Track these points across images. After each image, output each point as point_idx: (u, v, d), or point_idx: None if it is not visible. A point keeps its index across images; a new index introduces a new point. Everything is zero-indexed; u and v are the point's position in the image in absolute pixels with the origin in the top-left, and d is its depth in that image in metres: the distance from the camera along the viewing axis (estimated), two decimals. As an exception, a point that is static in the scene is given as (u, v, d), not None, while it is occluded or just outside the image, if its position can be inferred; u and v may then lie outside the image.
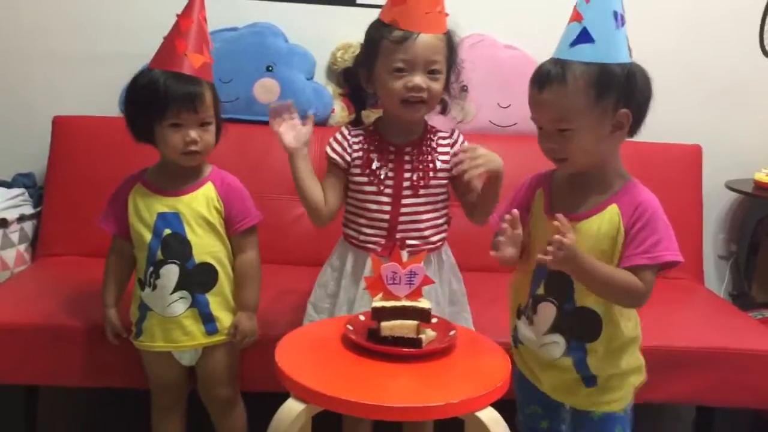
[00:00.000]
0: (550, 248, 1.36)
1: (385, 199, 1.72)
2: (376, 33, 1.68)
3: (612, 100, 1.41)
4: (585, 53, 1.40)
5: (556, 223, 1.37)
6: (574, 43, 1.40)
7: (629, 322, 1.52)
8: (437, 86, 1.68)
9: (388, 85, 1.67)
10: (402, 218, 1.73)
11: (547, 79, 1.40)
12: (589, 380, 1.52)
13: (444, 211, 1.79)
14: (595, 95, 1.40)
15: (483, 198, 1.73)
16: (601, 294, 1.46)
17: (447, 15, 1.70)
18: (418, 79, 1.65)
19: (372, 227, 1.74)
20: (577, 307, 1.49)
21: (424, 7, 1.64)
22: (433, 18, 1.65)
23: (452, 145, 1.77)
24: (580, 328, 1.50)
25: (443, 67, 1.69)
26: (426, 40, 1.64)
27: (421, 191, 1.73)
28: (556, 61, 1.42)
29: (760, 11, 2.83)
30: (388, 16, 1.67)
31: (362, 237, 1.75)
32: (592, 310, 1.48)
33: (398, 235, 1.73)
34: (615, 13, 1.41)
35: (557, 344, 1.51)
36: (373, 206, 1.74)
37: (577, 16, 1.42)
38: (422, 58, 1.64)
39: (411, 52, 1.63)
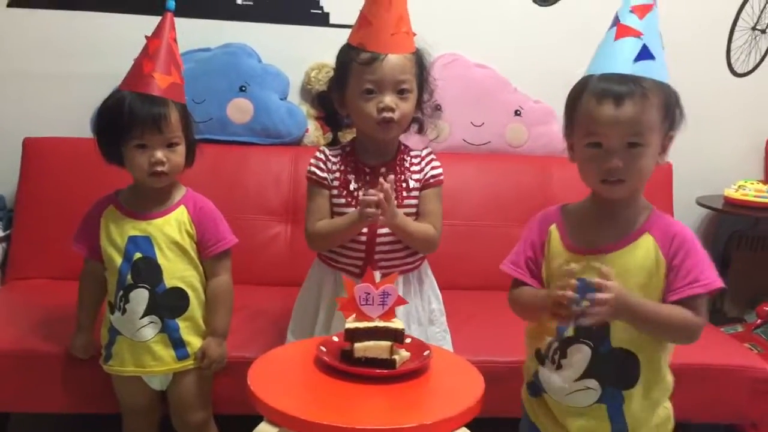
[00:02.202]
0: (594, 308, 1.26)
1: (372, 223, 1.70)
2: (345, 56, 1.70)
3: (669, 121, 1.38)
4: (651, 70, 1.35)
5: (597, 264, 1.30)
6: (638, 59, 1.35)
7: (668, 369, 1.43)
8: (407, 105, 1.70)
9: (360, 107, 1.69)
10: (379, 239, 1.74)
11: (626, 93, 1.32)
12: None
13: None
14: (663, 114, 1.36)
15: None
16: (656, 334, 1.38)
17: (414, 35, 1.72)
18: (388, 99, 1.66)
19: (350, 249, 1.75)
20: (612, 348, 1.38)
21: (389, 29, 1.66)
22: (399, 38, 1.67)
23: (422, 160, 1.78)
24: (617, 372, 1.39)
25: (413, 86, 1.71)
26: (393, 60, 1.66)
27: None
28: (623, 77, 1.34)
29: (727, 32, 2.89)
30: (355, 39, 1.70)
31: (341, 258, 1.76)
32: (629, 351, 1.39)
33: (376, 256, 1.73)
34: (659, 32, 1.39)
35: (591, 390, 1.40)
36: None
37: (631, 32, 1.37)
38: (390, 79, 1.66)
39: (379, 73, 1.65)
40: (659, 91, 1.35)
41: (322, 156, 1.78)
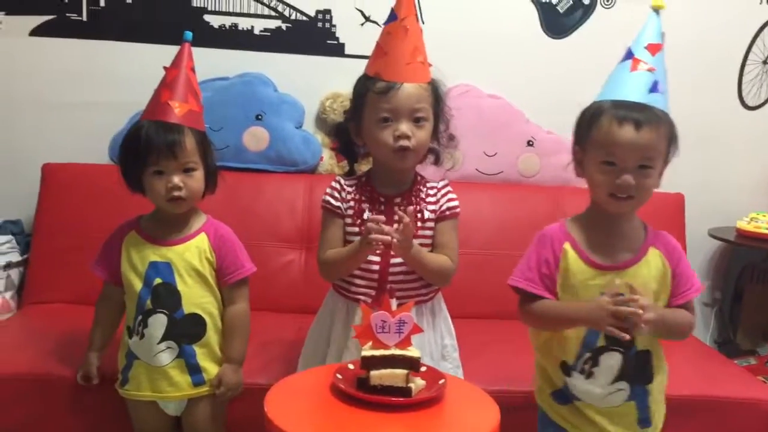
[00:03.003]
0: (642, 326, 1.43)
1: (377, 250, 1.71)
2: (362, 87, 1.72)
3: (670, 150, 1.54)
4: (659, 102, 1.51)
5: (618, 281, 1.48)
6: (651, 91, 1.50)
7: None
8: (423, 134, 1.71)
9: (376, 136, 1.70)
10: (392, 269, 1.74)
11: (645, 120, 1.47)
12: (646, 422, 1.59)
13: None
14: (667, 143, 1.52)
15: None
16: (671, 336, 1.57)
17: (430, 65, 1.73)
18: (404, 127, 1.67)
19: (363, 278, 1.75)
20: (638, 351, 1.55)
21: (405, 58, 1.68)
22: (414, 68, 1.69)
23: (438, 192, 1.78)
24: (641, 370, 1.56)
25: (429, 115, 1.71)
26: (409, 89, 1.67)
27: None
28: (640, 105, 1.49)
29: (739, 65, 2.92)
30: (372, 69, 1.72)
31: (353, 288, 1.76)
32: (648, 351, 1.57)
33: (388, 287, 1.73)
34: (666, 71, 1.54)
35: (622, 391, 1.55)
36: None
37: (646, 66, 1.52)
38: (406, 107, 1.67)
39: (394, 102, 1.66)
40: (667, 123, 1.52)
41: (337, 185, 1.79)
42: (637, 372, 1.55)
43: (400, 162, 1.72)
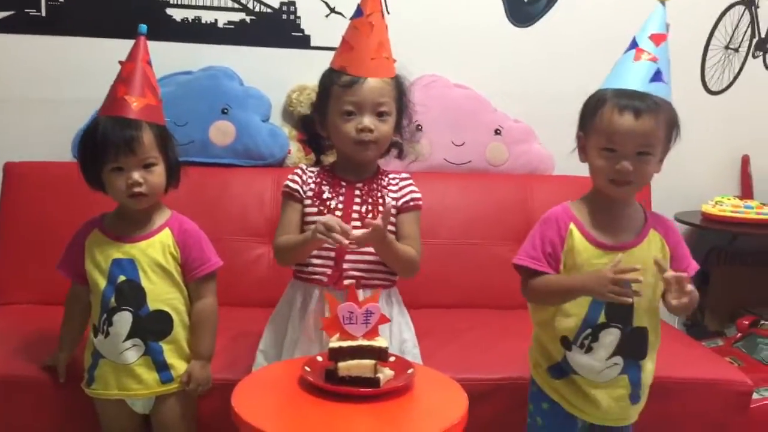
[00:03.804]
0: (680, 299, 1.50)
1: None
2: (327, 80, 1.75)
3: (671, 138, 1.59)
4: (661, 91, 1.56)
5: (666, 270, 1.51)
6: (652, 80, 1.55)
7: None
8: (386, 127, 1.74)
9: (339, 128, 1.72)
10: (349, 248, 1.72)
11: (645, 108, 1.52)
12: (636, 397, 1.65)
13: None
14: (667, 130, 1.58)
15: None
16: (680, 310, 1.57)
17: (394, 60, 1.77)
18: (367, 120, 1.70)
19: (320, 257, 1.74)
20: (634, 327, 1.61)
21: (370, 53, 1.71)
22: (379, 63, 1.72)
23: (401, 181, 1.81)
24: (636, 346, 1.62)
25: (392, 109, 1.75)
26: (373, 83, 1.70)
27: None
28: (641, 94, 1.54)
29: (701, 50, 2.95)
30: (337, 62, 1.74)
31: (310, 268, 1.75)
32: (645, 328, 1.62)
33: (345, 265, 1.73)
34: (669, 61, 1.59)
35: (616, 365, 1.61)
36: None
37: (648, 56, 1.57)
38: (370, 101, 1.70)
39: (359, 95, 1.70)
40: (667, 111, 1.57)
41: (299, 171, 1.82)
42: (633, 347, 1.61)
43: (362, 154, 1.74)
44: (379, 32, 1.73)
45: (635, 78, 1.56)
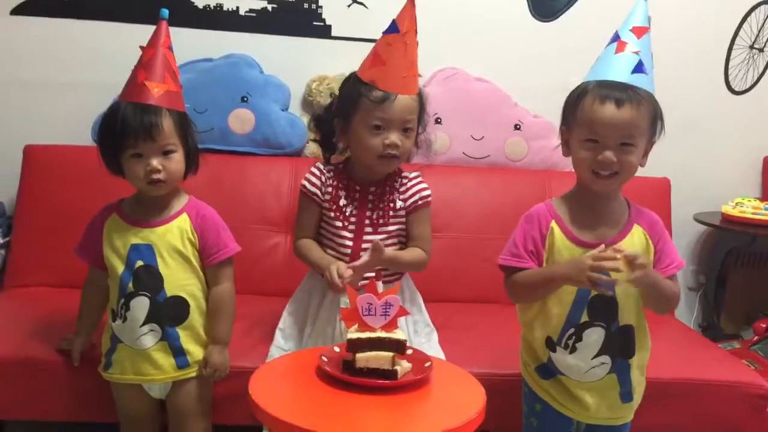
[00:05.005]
0: (637, 273, 1.46)
1: (348, 234, 1.82)
2: (355, 90, 1.77)
3: (653, 129, 1.58)
4: (643, 82, 1.55)
5: (617, 251, 1.47)
6: (634, 72, 1.55)
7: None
8: (409, 143, 1.80)
9: (365, 141, 1.76)
10: (362, 253, 1.78)
11: (626, 98, 1.52)
12: (627, 396, 1.63)
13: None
14: (650, 121, 1.56)
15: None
16: (657, 305, 1.60)
17: (420, 76, 1.80)
18: (395, 137, 1.75)
19: (336, 258, 1.80)
20: (621, 326, 1.59)
21: (401, 71, 1.74)
22: (409, 81, 1.76)
23: (410, 181, 1.86)
24: (623, 345, 1.60)
25: (415, 125, 1.80)
26: (403, 101, 1.74)
27: (380, 228, 1.82)
28: (622, 85, 1.53)
29: (725, 50, 2.92)
30: (367, 75, 1.77)
31: None
32: (631, 326, 1.61)
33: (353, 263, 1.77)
34: (651, 54, 1.58)
35: (604, 365, 1.59)
36: (338, 240, 1.83)
37: (630, 48, 1.57)
38: (399, 118, 1.75)
39: (389, 112, 1.73)
40: (650, 102, 1.55)
41: (316, 171, 1.86)
42: (620, 346, 1.60)
43: (385, 167, 1.80)
44: (412, 52, 1.77)
45: (617, 69, 1.56)
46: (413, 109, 1.77)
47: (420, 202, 1.84)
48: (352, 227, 1.82)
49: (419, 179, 1.87)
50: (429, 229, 1.87)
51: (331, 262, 1.74)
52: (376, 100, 1.73)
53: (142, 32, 1.77)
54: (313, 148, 2.64)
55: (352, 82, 1.80)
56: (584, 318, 1.57)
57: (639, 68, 1.55)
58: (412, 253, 1.83)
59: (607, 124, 1.51)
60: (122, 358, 1.72)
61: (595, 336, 1.58)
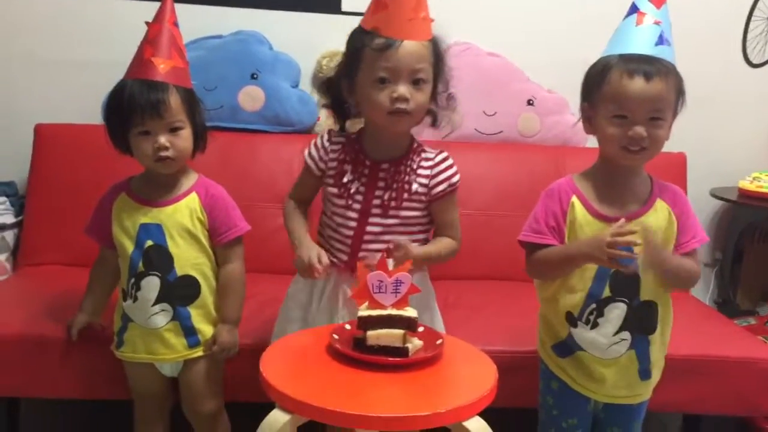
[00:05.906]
0: (639, 254, 1.46)
1: (352, 215, 1.66)
2: (358, 41, 1.61)
3: (678, 103, 1.55)
4: (667, 54, 1.53)
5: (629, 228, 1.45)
6: (657, 43, 1.52)
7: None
8: (422, 97, 1.60)
9: (371, 97, 1.59)
10: (366, 237, 1.66)
11: (655, 71, 1.49)
12: (646, 373, 1.62)
13: (421, 236, 1.70)
14: (677, 95, 1.54)
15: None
16: (676, 284, 1.59)
17: (432, 20, 1.62)
18: (403, 89, 1.56)
19: (338, 241, 1.70)
20: (642, 301, 1.57)
21: (406, 13, 1.56)
22: (416, 24, 1.57)
23: (433, 168, 1.67)
24: (645, 321, 1.59)
25: (429, 76, 1.60)
26: (410, 47, 1.56)
27: (391, 212, 1.65)
28: (648, 57, 1.50)
29: (743, 22, 2.86)
30: (369, 23, 1.60)
31: (328, 248, 1.70)
32: (653, 302, 1.59)
33: (361, 254, 1.65)
34: (671, 23, 1.56)
35: (625, 341, 1.58)
36: (340, 220, 1.68)
37: (651, 19, 1.54)
38: (406, 67, 1.56)
39: (394, 61, 1.55)
40: (675, 75, 1.53)
41: (319, 142, 1.72)
42: (641, 322, 1.58)
43: (395, 125, 1.61)
44: None
45: (641, 42, 1.52)
46: (424, 56, 1.57)
47: (449, 189, 1.65)
48: (357, 206, 1.65)
49: (447, 161, 1.67)
50: (457, 214, 1.70)
51: (310, 248, 1.61)
52: (378, 47, 1.54)
53: (155, 10, 1.75)
54: (324, 126, 2.62)
55: (354, 34, 1.63)
56: (606, 293, 1.56)
57: (662, 40, 1.53)
58: (443, 245, 1.67)
59: (637, 99, 1.48)
60: (134, 337, 1.73)
61: (617, 311, 1.56)
